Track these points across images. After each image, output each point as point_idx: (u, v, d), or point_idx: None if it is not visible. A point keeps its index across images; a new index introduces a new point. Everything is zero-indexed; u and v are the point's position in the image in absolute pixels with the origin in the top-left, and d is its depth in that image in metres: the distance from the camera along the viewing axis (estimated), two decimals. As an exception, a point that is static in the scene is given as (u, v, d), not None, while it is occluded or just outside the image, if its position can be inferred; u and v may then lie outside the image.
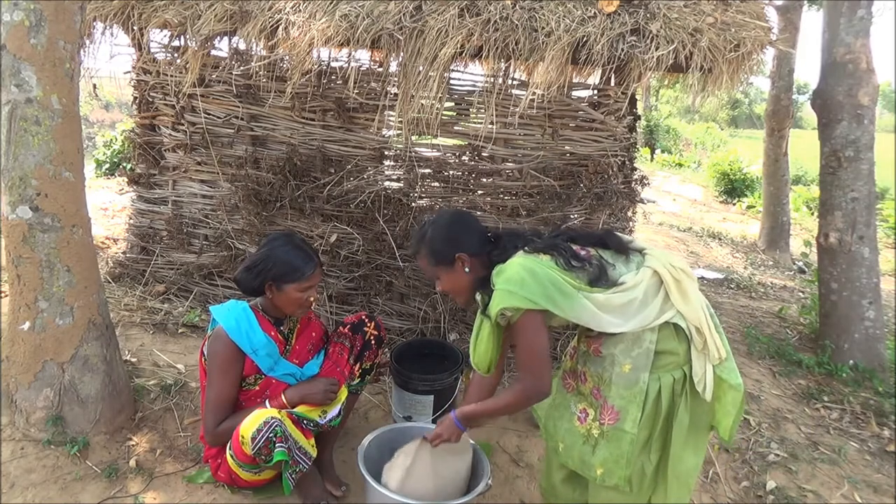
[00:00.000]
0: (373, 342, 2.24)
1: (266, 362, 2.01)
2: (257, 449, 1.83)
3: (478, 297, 1.76)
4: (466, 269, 1.71)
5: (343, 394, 2.09)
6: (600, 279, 1.59)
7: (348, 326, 2.24)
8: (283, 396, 1.99)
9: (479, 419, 1.76)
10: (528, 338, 1.59)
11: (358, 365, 2.22)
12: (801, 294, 5.25)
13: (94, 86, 3.46)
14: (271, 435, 1.83)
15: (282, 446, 1.84)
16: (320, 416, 2.01)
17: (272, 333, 2.05)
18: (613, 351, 1.63)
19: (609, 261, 1.64)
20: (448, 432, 1.80)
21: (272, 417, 1.85)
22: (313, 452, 1.96)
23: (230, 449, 1.95)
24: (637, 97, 3.22)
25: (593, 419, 1.67)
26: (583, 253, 1.64)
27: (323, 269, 2.12)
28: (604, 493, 1.70)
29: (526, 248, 1.64)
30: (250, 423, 1.85)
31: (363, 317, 2.27)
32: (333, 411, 2.03)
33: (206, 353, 2.03)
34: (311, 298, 2.04)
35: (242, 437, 1.86)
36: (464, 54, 2.69)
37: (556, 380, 1.83)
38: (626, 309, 1.57)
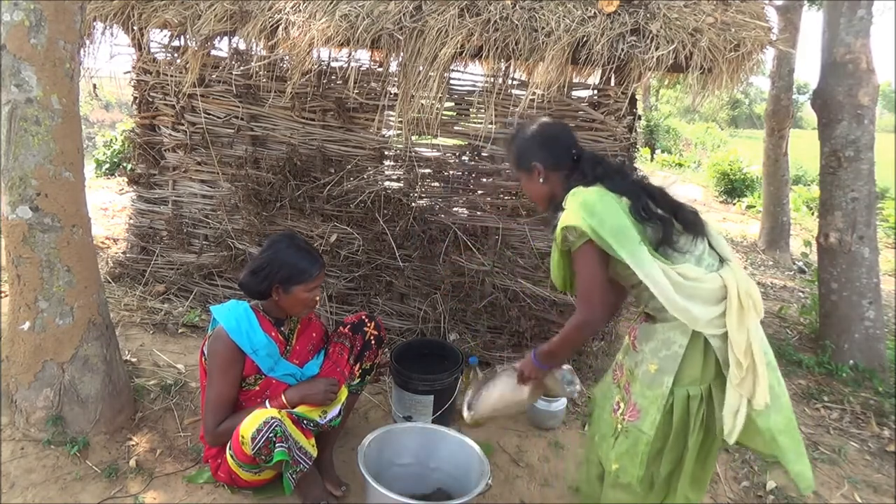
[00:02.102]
0: (373, 342, 2.24)
1: (266, 362, 2.01)
2: (257, 449, 1.83)
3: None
4: (541, 180, 1.70)
5: (343, 394, 2.09)
6: (663, 242, 1.53)
7: (348, 326, 2.24)
8: (283, 397, 1.99)
9: (553, 354, 1.69)
10: (584, 268, 1.55)
11: (358, 365, 2.22)
12: (801, 294, 5.25)
13: (94, 86, 3.47)
14: (271, 435, 1.83)
15: (282, 446, 1.83)
16: (320, 417, 2.00)
17: (273, 334, 2.05)
18: (644, 348, 1.61)
19: (679, 230, 1.58)
20: (528, 369, 1.77)
21: (272, 417, 1.85)
22: (314, 452, 1.95)
23: (230, 449, 1.95)
24: (637, 97, 3.22)
25: (622, 413, 1.66)
26: (659, 212, 1.58)
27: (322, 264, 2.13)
28: (613, 492, 1.69)
29: (606, 183, 1.60)
30: (250, 423, 1.85)
31: (363, 317, 2.28)
32: (333, 411, 2.03)
33: (206, 352, 2.03)
34: (317, 297, 2.06)
35: (242, 436, 1.86)
36: (464, 54, 2.69)
37: (609, 371, 1.82)
38: (677, 289, 1.50)
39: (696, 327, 1.51)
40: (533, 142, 1.72)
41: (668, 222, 1.55)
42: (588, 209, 1.51)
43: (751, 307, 1.52)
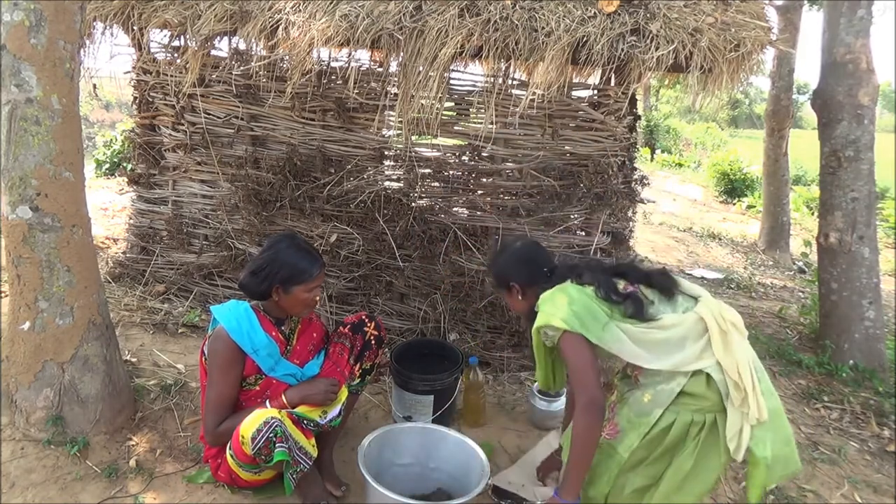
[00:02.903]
0: (373, 342, 2.24)
1: (267, 362, 2.01)
2: (257, 449, 1.83)
3: None
4: (520, 297, 1.89)
5: (343, 394, 2.09)
6: (635, 315, 1.67)
7: (348, 326, 2.24)
8: (283, 397, 1.99)
9: (576, 479, 1.66)
10: (569, 356, 1.68)
11: (358, 365, 2.22)
12: (801, 294, 5.25)
13: (94, 86, 3.46)
14: (271, 435, 1.83)
15: (282, 446, 1.83)
16: (321, 417, 2.00)
17: (273, 333, 2.05)
18: (648, 381, 1.69)
19: (650, 298, 1.73)
20: None
21: (272, 417, 1.85)
22: (314, 452, 1.95)
23: (230, 449, 1.95)
24: (637, 97, 3.22)
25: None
26: (630, 289, 1.73)
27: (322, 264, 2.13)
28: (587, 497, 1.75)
29: (573, 279, 1.76)
30: (250, 423, 1.85)
31: (363, 317, 2.27)
32: (334, 411, 2.03)
33: (206, 352, 2.03)
34: (317, 297, 2.06)
35: (242, 437, 1.86)
36: (464, 54, 2.69)
37: None
38: (658, 346, 1.64)
39: (687, 369, 1.62)
40: (509, 264, 1.93)
41: (636, 299, 1.70)
42: (556, 306, 1.69)
43: (731, 329, 1.62)
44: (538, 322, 1.71)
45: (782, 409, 1.66)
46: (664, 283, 1.76)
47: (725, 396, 1.59)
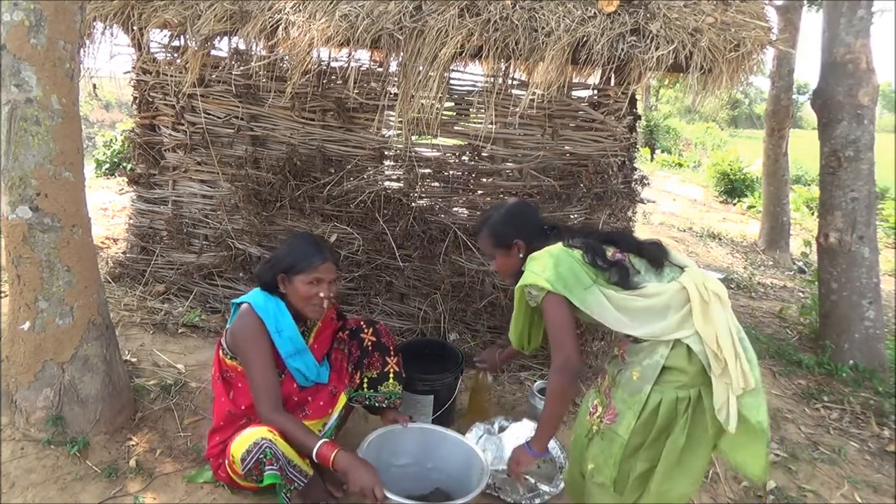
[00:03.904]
0: (370, 348, 2.19)
1: (287, 346, 1.98)
2: (248, 470, 1.81)
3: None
4: (520, 255, 1.88)
5: (341, 402, 2.08)
6: (619, 283, 1.69)
7: (347, 332, 2.22)
8: (332, 456, 1.79)
9: (545, 434, 1.81)
10: (550, 316, 1.71)
11: (358, 373, 2.18)
12: (801, 294, 5.25)
13: (94, 86, 3.46)
14: (261, 456, 1.80)
15: (272, 468, 1.79)
16: (319, 432, 2.01)
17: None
18: (634, 359, 1.70)
19: (636, 268, 1.74)
20: (525, 460, 1.86)
21: (262, 438, 1.81)
22: (309, 470, 1.90)
23: (228, 464, 1.94)
24: (637, 97, 3.22)
25: (598, 416, 1.75)
26: (618, 257, 1.75)
27: (337, 267, 2.08)
28: (594, 490, 1.76)
29: (564, 242, 1.78)
30: (240, 444, 1.83)
31: (361, 323, 2.24)
32: (331, 422, 2.03)
33: (225, 344, 2.00)
34: (322, 294, 1.99)
35: (233, 456, 1.85)
36: (464, 54, 2.69)
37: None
38: (640, 314, 1.65)
39: (668, 338, 1.63)
40: (512, 221, 1.93)
41: (622, 267, 1.72)
42: (542, 266, 1.71)
43: (714, 299, 1.63)
44: (523, 280, 1.74)
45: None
46: (655, 254, 1.77)
47: (708, 368, 1.59)
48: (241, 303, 2.01)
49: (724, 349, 1.57)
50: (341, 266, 3.24)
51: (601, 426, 1.72)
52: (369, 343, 2.20)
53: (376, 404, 2.18)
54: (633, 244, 1.81)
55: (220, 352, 2.04)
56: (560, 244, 1.78)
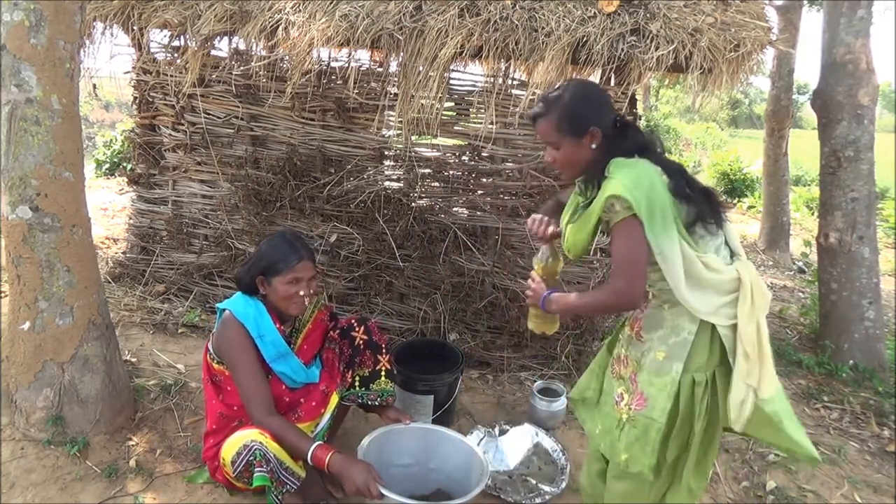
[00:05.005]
0: (361, 346, 2.18)
1: (270, 350, 1.98)
2: (238, 472, 1.81)
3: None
4: (593, 146, 1.58)
5: (334, 402, 2.08)
6: (695, 223, 1.53)
7: (338, 331, 2.21)
8: (326, 458, 1.80)
9: (566, 304, 1.63)
10: (626, 243, 1.51)
11: (350, 372, 2.17)
12: (801, 294, 5.25)
13: (94, 86, 3.46)
14: (251, 458, 1.79)
15: (261, 470, 1.78)
16: (312, 432, 2.00)
17: (277, 325, 2.02)
18: (652, 336, 1.60)
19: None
20: (535, 295, 1.70)
21: (252, 440, 1.80)
22: (302, 473, 1.89)
23: (220, 463, 1.94)
24: (637, 97, 3.21)
25: (626, 403, 1.65)
26: (699, 187, 1.58)
27: (315, 264, 2.06)
28: (619, 484, 1.68)
29: (651, 157, 1.56)
30: (231, 446, 1.83)
31: (353, 321, 2.22)
32: (323, 423, 2.03)
33: (212, 349, 2.01)
34: (301, 293, 1.98)
35: (223, 459, 1.85)
36: (464, 54, 2.69)
37: (609, 368, 1.79)
38: (694, 281, 1.51)
39: (700, 317, 1.53)
40: (589, 104, 1.59)
41: (703, 203, 1.53)
42: (637, 184, 1.47)
43: (763, 304, 1.54)
44: (615, 189, 1.47)
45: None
46: (721, 207, 1.58)
47: (732, 360, 1.52)
48: (226, 301, 2.01)
49: (765, 354, 1.52)
50: (342, 266, 3.24)
51: (630, 414, 1.61)
52: (361, 341, 2.19)
53: (369, 402, 2.17)
54: (702, 187, 1.58)
55: (208, 356, 2.04)
56: (647, 161, 1.53)
